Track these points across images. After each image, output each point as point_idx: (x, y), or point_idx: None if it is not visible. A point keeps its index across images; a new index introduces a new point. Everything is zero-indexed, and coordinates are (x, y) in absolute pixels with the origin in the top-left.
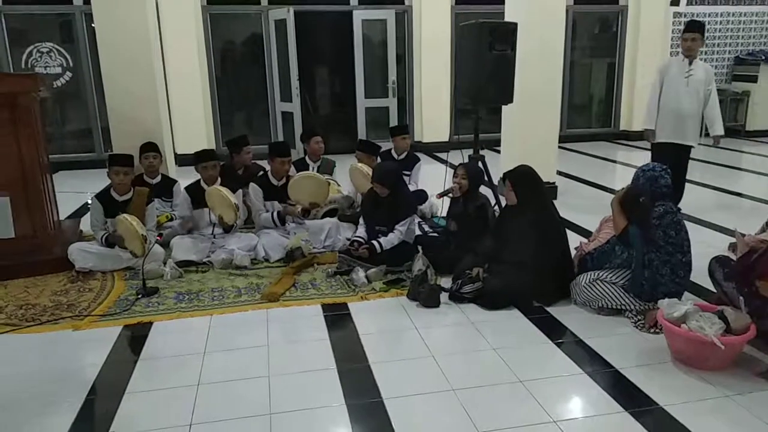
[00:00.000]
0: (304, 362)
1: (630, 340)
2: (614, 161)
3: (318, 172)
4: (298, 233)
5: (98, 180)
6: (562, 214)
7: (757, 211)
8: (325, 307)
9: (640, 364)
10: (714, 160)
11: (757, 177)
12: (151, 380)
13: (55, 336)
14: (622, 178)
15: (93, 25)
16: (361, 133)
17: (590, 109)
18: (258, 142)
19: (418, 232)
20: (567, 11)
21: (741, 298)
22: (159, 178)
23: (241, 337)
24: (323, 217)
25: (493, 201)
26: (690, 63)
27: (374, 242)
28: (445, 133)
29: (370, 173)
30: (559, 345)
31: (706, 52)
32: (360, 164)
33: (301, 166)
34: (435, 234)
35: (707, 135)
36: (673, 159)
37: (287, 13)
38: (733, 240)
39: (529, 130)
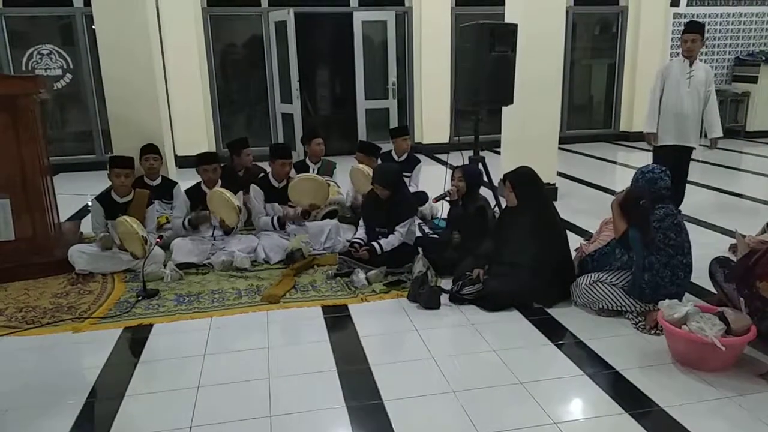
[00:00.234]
0: (304, 364)
1: (630, 341)
2: (614, 162)
3: (318, 173)
4: (298, 235)
5: (98, 182)
6: (562, 216)
7: (757, 212)
8: (326, 309)
9: (641, 365)
10: (714, 161)
11: (758, 178)
12: (151, 382)
13: (55, 338)
14: (622, 180)
15: (93, 26)
16: (362, 135)
17: (590, 110)
18: (258, 143)
19: (418, 233)
20: (567, 12)
21: (741, 299)
22: (159, 180)
23: (242, 339)
24: (323, 218)
25: (493, 202)
26: (691, 64)
27: (374, 244)
28: (446, 134)
29: (371, 174)
30: (559, 346)
31: (706, 53)
32: (360, 165)
33: (302, 167)
34: (435, 236)
35: (704, 137)
36: (674, 161)
37: (287, 15)
38: (734, 241)
39: (530, 131)
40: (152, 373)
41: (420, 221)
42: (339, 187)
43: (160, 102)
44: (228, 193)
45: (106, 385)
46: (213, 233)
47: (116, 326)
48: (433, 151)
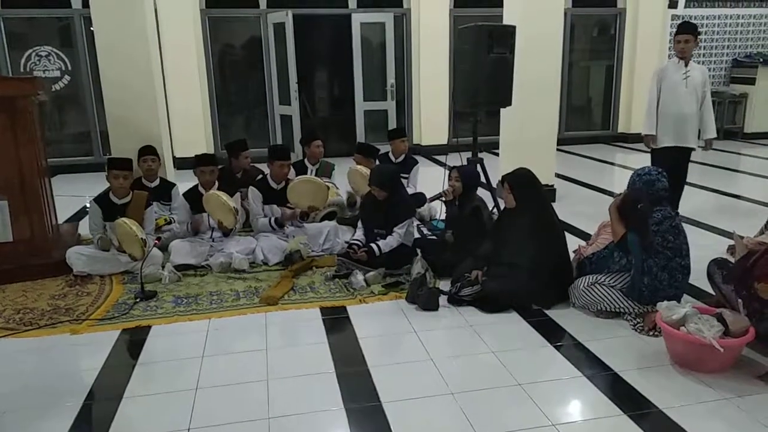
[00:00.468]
0: (302, 366)
1: (629, 342)
2: (612, 164)
3: (316, 174)
4: (297, 236)
5: (97, 183)
6: (560, 217)
7: (755, 214)
8: (324, 311)
9: (639, 366)
10: (712, 162)
11: (755, 179)
12: (149, 384)
13: (53, 340)
14: (620, 181)
15: (92, 28)
16: (360, 136)
17: (589, 111)
18: (257, 145)
19: (416, 235)
20: (565, 14)
21: (740, 300)
22: (157, 181)
23: (240, 340)
24: (322, 220)
25: (491, 204)
26: (686, 65)
27: (373, 245)
28: (444, 135)
29: (368, 175)
30: (558, 348)
31: (704, 55)
32: (359, 166)
33: (300, 168)
34: (434, 237)
35: (699, 138)
36: (672, 162)
37: (286, 17)
38: (732, 242)
39: (528, 132)
40: (150, 374)
41: (418, 223)
42: (338, 188)
43: (158, 103)
44: (224, 196)
45: (104, 386)
46: (211, 235)
47: (114, 328)
48: (432, 152)
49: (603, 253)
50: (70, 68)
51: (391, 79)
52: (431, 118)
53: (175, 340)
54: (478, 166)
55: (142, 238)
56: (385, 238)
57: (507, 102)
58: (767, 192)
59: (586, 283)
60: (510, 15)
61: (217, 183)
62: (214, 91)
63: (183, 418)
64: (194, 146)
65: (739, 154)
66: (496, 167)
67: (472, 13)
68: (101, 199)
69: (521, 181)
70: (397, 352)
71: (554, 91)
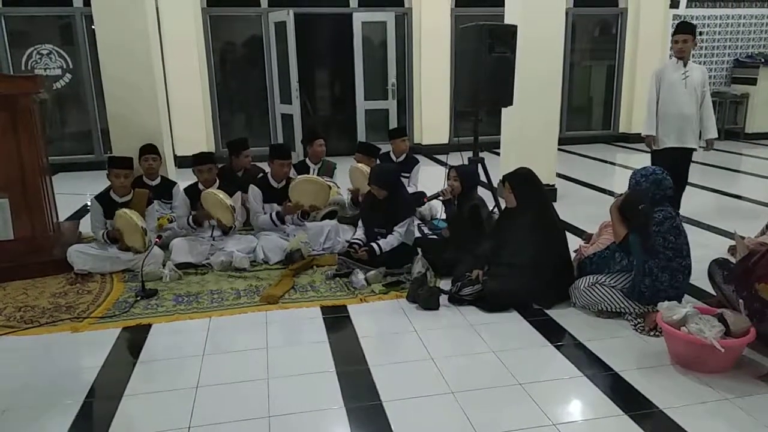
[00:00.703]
0: (303, 365)
1: (630, 342)
2: (613, 164)
3: (318, 174)
4: (298, 235)
5: (97, 182)
6: (561, 217)
7: (756, 214)
8: (325, 310)
9: (640, 366)
10: (713, 162)
11: (757, 179)
12: (150, 382)
13: (53, 338)
14: (621, 181)
15: (93, 26)
16: (361, 136)
17: (590, 111)
18: (258, 144)
19: (417, 234)
20: (567, 13)
21: (741, 300)
22: (158, 180)
23: (240, 339)
24: (323, 219)
25: (492, 203)
26: (685, 65)
27: (373, 244)
28: (445, 135)
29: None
30: (558, 348)
31: (705, 55)
32: (359, 164)
33: (302, 168)
34: (434, 236)
35: (700, 138)
36: (672, 162)
37: (287, 16)
38: (733, 243)
39: (529, 132)
40: (151, 373)
41: (419, 222)
42: (339, 187)
43: (159, 102)
44: (221, 194)
45: (104, 385)
46: (212, 233)
47: (115, 326)
48: (433, 152)
49: (604, 253)
50: (71, 66)
51: (392, 79)
52: (432, 117)
53: (175, 338)
54: (479, 165)
55: (142, 227)
56: (385, 237)
57: (508, 101)
58: None
59: (587, 283)
60: (511, 14)
61: (217, 181)
62: (215, 90)
63: (183, 417)
64: (195, 145)
65: (741, 154)
66: (497, 167)
67: (473, 12)
68: (102, 198)
69: (522, 180)
70: (398, 351)
71: (555, 91)
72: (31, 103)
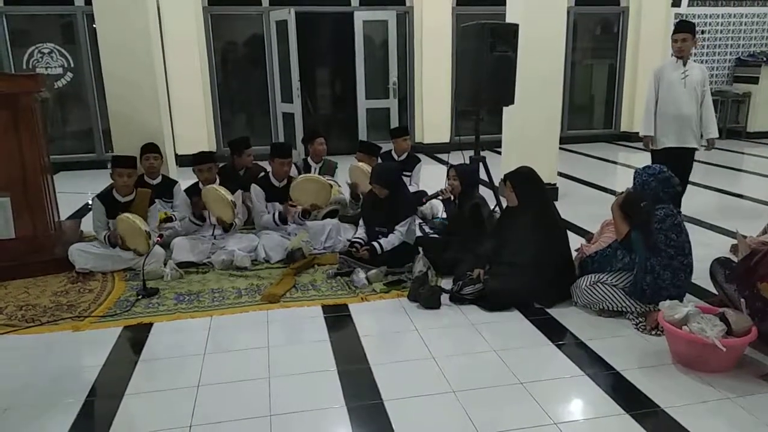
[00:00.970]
0: (304, 363)
1: (631, 342)
2: (615, 162)
3: (319, 173)
4: (299, 234)
5: (99, 180)
6: (563, 216)
7: (758, 213)
8: (326, 309)
9: (642, 366)
10: (715, 161)
11: (759, 178)
12: (151, 381)
13: (55, 337)
14: (623, 180)
15: (94, 25)
16: (362, 134)
17: (591, 110)
18: (259, 143)
19: (418, 233)
20: (568, 12)
21: (742, 300)
22: (159, 178)
23: (242, 338)
24: (324, 218)
25: (494, 202)
26: (684, 64)
27: (374, 243)
28: (446, 134)
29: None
30: (559, 347)
31: (707, 54)
32: (360, 163)
33: (304, 167)
34: (436, 235)
35: (701, 137)
36: (673, 162)
37: (288, 14)
38: (735, 242)
39: (530, 131)
40: (152, 371)
41: (420, 221)
42: (340, 186)
43: (160, 101)
44: (222, 190)
45: (105, 383)
46: (213, 232)
47: (116, 325)
48: (434, 151)
49: (606, 251)
50: (72, 65)
51: (393, 77)
52: (433, 116)
53: (177, 337)
54: (481, 164)
55: (146, 231)
56: (386, 236)
57: (509, 100)
58: None
59: (588, 282)
60: (513, 13)
61: (218, 180)
62: (217, 89)
63: (185, 415)
64: (196, 143)
65: (742, 153)
66: (499, 166)
67: (474, 11)
68: (104, 197)
69: (523, 179)
70: (399, 350)
71: (557, 90)
72: (33, 101)
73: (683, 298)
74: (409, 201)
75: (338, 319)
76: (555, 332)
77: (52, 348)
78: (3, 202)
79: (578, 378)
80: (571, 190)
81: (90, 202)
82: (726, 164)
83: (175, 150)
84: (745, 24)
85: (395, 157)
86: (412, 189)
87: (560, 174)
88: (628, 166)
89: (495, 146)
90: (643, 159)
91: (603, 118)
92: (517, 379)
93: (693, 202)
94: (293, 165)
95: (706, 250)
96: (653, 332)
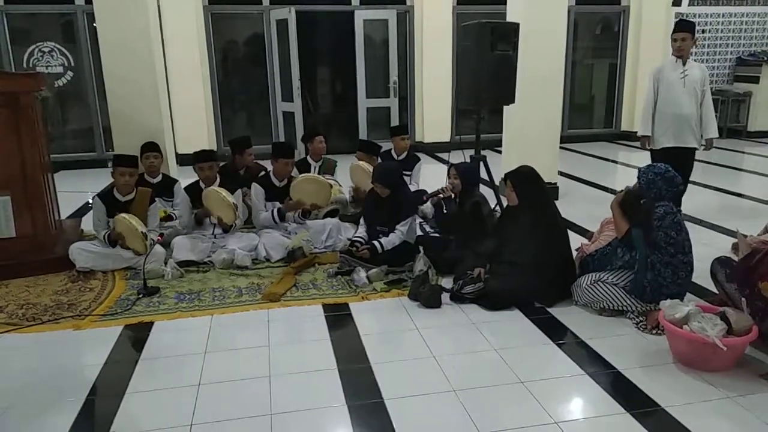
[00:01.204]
0: (305, 362)
1: (631, 341)
2: (615, 162)
3: (319, 171)
4: (300, 233)
5: (99, 179)
6: (563, 215)
7: (759, 212)
8: (326, 308)
9: (642, 365)
10: (716, 161)
11: (759, 178)
12: (152, 380)
13: (55, 336)
14: (623, 179)
15: (95, 24)
16: (362, 133)
17: (592, 109)
18: (259, 142)
19: (419, 232)
20: (569, 11)
21: (743, 299)
22: (160, 177)
23: (242, 337)
24: (324, 217)
25: (494, 202)
26: (684, 63)
27: (375, 243)
28: (447, 133)
29: (371, 171)
30: (560, 346)
31: (707, 53)
32: (360, 162)
33: (303, 165)
34: (436, 234)
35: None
36: (672, 161)
37: (289, 13)
38: (735, 241)
39: (531, 130)
40: (153, 370)
41: (421, 220)
42: (340, 185)
43: (161, 100)
44: (223, 192)
45: (106, 382)
46: (213, 231)
47: (117, 324)
48: (434, 150)
49: (606, 249)
50: (72, 64)
51: (393, 76)
52: (434, 115)
53: (177, 336)
54: (481, 163)
55: (142, 232)
56: (387, 236)
57: (510, 99)
58: None
59: (588, 281)
60: (513, 12)
61: (219, 179)
62: (217, 88)
63: (185, 414)
64: (197, 142)
65: (743, 152)
66: (499, 165)
67: (475, 10)
68: (105, 196)
69: (524, 178)
70: (399, 349)
71: (557, 89)
72: (33, 100)
73: (684, 297)
74: (410, 200)
75: (339, 318)
76: (555, 331)
77: (53, 347)
78: (3, 201)
79: (579, 377)
80: (571, 189)
81: (90, 201)
82: (726, 163)
83: (175, 149)
84: (746, 23)
85: (395, 156)
86: (412, 188)
87: (560, 173)
88: (629, 166)
89: (495, 145)
90: (644, 158)
91: (603, 117)
92: (518, 378)
93: (694, 201)
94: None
95: (706, 249)
96: (654, 331)
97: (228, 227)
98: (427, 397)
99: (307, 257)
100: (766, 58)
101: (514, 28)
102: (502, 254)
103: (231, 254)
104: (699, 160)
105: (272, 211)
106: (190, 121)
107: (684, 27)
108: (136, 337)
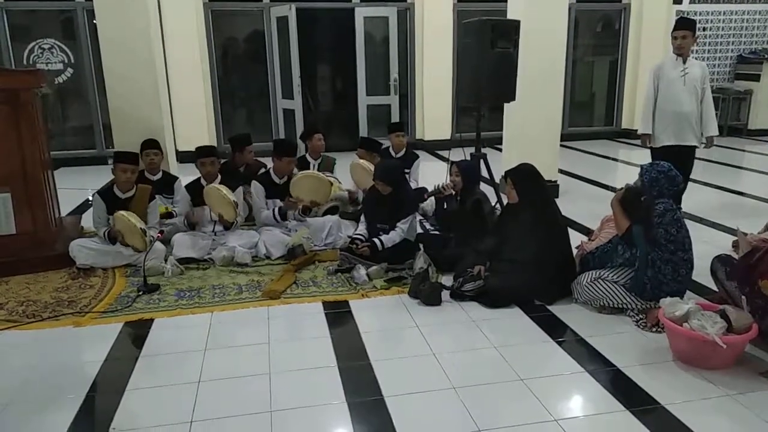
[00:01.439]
0: (305, 359)
1: (631, 338)
2: (616, 160)
3: (318, 169)
4: (300, 231)
5: (99, 176)
6: (563, 213)
7: (759, 211)
8: (326, 305)
9: (642, 362)
10: (716, 159)
11: (760, 176)
12: (152, 377)
13: (56, 332)
14: (624, 177)
15: (95, 21)
16: (363, 131)
17: (592, 107)
18: (259, 139)
19: (419, 229)
20: (569, 9)
21: (743, 297)
22: (160, 174)
23: (242, 334)
24: (324, 214)
25: (494, 199)
26: (684, 61)
27: (375, 240)
28: (447, 131)
29: (371, 169)
30: (560, 343)
31: (708, 51)
32: (360, 160)
33: (302, 163)
34: (436, 232)
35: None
36: (673, 159)
37: (289, 11)
38: (736, 239)
39: (531, 128)
40: (153, 367)
41: (421, 217)
42: (340, 183)
43: (161, 97)
44: (224, 189)
45: (106, 379)
46: (213, 228)
47: (117, 321)
48: (435, 147)
49: (606, 247)
50: (72, 61)
51: (394, 74)
52: (434, 112)
53: (177, 333)
54: (481, 161)
55: (141, 229)
56: (387, 233)
57: (510, 97)
58: None
59: (589, 279)
60: (514, 10)
61: (219, 176)
62: (217, 85)
63: (185, 411)
64: (197, 140)
65: (743, 150)
66: (499, 163)
67: (475, 7)
68: (105, 193)
69: (524, 176)
70: (399, 346)
71: (558, 87)
72: (33, 97)
73: (684, 295)
74: (411, 198)
75: (339, 316)
76: (555, 329)
77: (53, 344)
78: (3, 198)
79: (578, 375)
80: (571, 187)
81: (90, 198)
82: (727, 161)
83: (175, 146)
84: (747, 21)
85: (392, 153)
86: (411, 185)
87: (561, 171)
88: (629, 164)
89: (496, 143)
90: (644, 156)
91: (604, 115)
92: (518, 375)
93: (694, 199)
94: None
95: (706, 247)
96: (654, 329)
97: (229, 224)
98: (426, 394)
99: (307, 254)
100: (766, 56)
101: (515, 25)
102: (502, 252)
103: (231, 251)
104: (699, 158)
105: (273, 210)
106: (191, 119)
107: (684, 25)
108: (136, 334)
